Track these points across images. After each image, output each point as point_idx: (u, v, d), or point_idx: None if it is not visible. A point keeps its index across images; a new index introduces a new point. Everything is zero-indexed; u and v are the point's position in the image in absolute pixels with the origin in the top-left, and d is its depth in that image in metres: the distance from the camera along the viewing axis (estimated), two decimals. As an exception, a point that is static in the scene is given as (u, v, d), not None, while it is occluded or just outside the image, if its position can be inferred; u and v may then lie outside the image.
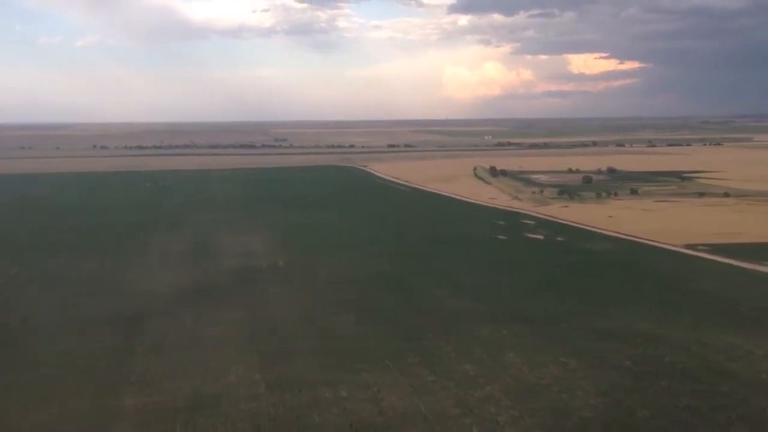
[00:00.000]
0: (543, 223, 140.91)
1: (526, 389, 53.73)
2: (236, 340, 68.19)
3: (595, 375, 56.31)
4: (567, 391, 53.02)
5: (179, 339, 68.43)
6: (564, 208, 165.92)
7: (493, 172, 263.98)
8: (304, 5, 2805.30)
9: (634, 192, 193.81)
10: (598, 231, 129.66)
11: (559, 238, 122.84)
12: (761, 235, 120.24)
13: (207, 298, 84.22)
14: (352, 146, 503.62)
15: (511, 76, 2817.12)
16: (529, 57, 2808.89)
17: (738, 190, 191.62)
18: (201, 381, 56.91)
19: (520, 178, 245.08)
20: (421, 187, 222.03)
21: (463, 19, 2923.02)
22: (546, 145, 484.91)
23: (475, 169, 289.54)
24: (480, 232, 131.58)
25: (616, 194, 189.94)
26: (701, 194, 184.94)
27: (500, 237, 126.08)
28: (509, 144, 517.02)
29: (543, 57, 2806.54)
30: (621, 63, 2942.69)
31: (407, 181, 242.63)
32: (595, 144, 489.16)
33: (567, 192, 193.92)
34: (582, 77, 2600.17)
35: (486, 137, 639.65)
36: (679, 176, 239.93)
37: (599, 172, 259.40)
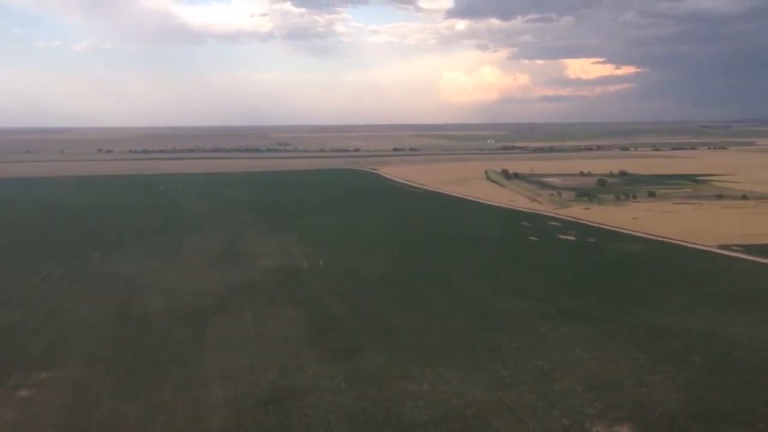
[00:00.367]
0: (569, 225, 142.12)
1: (604, 383, 54.76)
2: (300, 336, 69.02)
3: (668, 370, 57.38)
4: (646, 385, 54.09)
5: (245, 334, 69.25)
6: (585, 210, 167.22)
7: (507, 175, 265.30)
8: (303, 10, 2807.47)
9: (651, 194, 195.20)
10: (627, 232, 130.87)
11: (590, 239, 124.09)
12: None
13: (261, 295, 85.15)
14: (357, 150, 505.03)
15: (508, 80, 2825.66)
16: (526, 62, 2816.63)
17: (754, 192, 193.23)
18: (281, 376, 57.79)
19: (534, 181, 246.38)
20: (436, 190, 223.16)
21: (461, 24, 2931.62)
22: (551, 149, 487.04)
23: (486, 172, 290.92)
24: (510, 234, 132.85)
25: (634, 197, 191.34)
26: (720, 197, 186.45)
27: (531, 238, 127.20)
28: (514, 148, 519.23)
29: (540, 62, 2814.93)
30: (617, 68, 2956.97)
31: (422, 184, 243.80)
32: (599, 148, 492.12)
33: (585, 194, 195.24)
34: (579, 82, 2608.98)
35: (489, 141, 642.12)
36: (692, 179, 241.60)
37: (611, 175, 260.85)
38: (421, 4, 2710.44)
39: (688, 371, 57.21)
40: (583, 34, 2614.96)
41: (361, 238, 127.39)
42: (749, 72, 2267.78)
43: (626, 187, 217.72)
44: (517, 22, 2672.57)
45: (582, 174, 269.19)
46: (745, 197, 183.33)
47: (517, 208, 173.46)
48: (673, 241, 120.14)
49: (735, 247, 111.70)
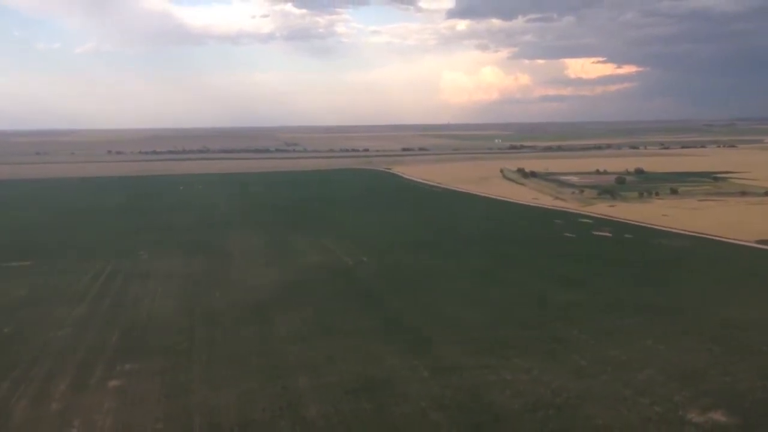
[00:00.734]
0: (601, 222, 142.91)
1: (686, 373, 55.54)
2: (366, 328, 69.86)
3: (746, 360, 58.22)
4: (728, 374, 54.95)
5: (312, 327, 70.10)
6: (611, 207, 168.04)
7: (524, 173, 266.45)
8: (303, 11, 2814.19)
9: (674, 192, 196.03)
10: (661, 228, 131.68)
11: (627, 236, 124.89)
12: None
13: (316, 290, 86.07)
14: (366, 150, 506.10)
15: (508, 80, 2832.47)
16: (526, 61, 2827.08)
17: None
18: (362, 366, 58.67)
19: (552, 179, 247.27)
20: (457, 189, 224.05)
21: (462, 24, 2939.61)
22: (560, 148, 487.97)
23: (501, 170, 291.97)
24: (545, 231, 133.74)
25: (657, 194, 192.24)
26: (743, 193, 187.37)
27: (567, 235, 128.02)
28: (522, 147, 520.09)
29: (540, 61, 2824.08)
30: (618, 67, 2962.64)
31: (439, 183, 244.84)
32: (608, 146, 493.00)
33: (607, 192, 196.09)
34: (579, 81, 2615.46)
35: (496, 140, 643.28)
36: (710, 177, 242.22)
37: (628, 173, 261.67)
38: (422, 4, 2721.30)
39: (766, 361, 58.02)
40: (584, 33, 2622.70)
41: (397, 236, 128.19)
42: (749, 71, 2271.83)
43: (645, 184, 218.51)
44: (518, 22, 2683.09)
45: (598, 172, 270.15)
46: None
47: (543, 206, 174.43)
48: (710, 237, 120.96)
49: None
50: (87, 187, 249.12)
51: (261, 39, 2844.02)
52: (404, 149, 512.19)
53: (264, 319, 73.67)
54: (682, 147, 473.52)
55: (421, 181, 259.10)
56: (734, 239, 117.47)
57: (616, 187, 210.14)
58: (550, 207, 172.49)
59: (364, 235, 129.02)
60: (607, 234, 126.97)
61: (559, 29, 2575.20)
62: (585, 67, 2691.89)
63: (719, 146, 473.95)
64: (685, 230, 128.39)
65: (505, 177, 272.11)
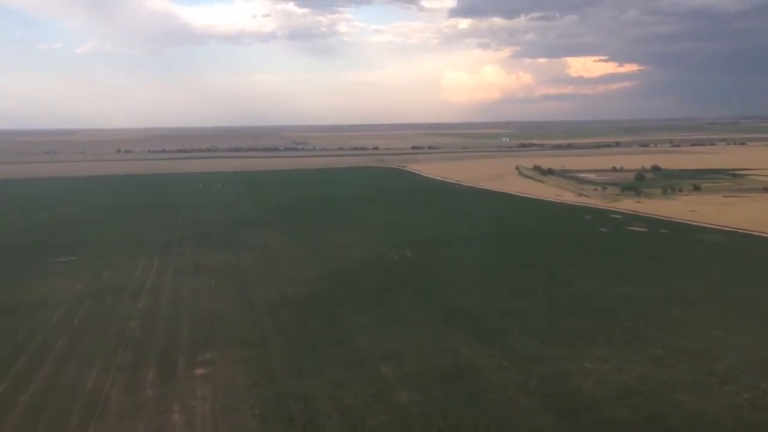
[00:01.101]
0: (631, 217, 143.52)
1: (765, 362, 56.24)
2: (433, 320, 70.61)
3: (825, 348, 59.06)
4: (813, 362, 55.74)
5: (378, 319, 70.83)
6: (637, 203, 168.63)
7: (541, 171, 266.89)
8: (305, 10, 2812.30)
9: (697, 188, 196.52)
10: (694, 224, 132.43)
11: (662, 231, 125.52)
12: None
13: (369, 283, 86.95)
14: (376, 148, 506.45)
15: (510, 79, 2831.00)
16: (528, 60, 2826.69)
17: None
18: (439, 356, 59.47)
19: (569, 176, 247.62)
20: (478, 186, 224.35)
21: (464, 23, 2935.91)
22: (570, 146, 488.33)
23: (517, 168, 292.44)
24: (578, 226, 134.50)
25: (680, 190, 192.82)
26: (767, 189, 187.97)
27: (601, 230, 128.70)
28: (532, 145, 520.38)
29: (542, 60, 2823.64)
30: (620, 66, 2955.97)
31: (459, 181, 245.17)
32: (618, 144, 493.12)
33: (630, 189, 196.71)
34: (581, 80, 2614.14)
35: (504, 139, 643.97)
36: (728, 174, 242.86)
37: (644, 170, 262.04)
38: (424, 3, 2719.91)
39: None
40: (586, 32, 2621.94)
41: (433, 232, 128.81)
42: (751, 69, 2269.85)
43: (665, 181, 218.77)
44: (520, 20, 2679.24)
45: (614, 169, 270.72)
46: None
47: (568, 202, 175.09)
48: (744, 232, 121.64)
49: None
50: (108, 185, 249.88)
51: (263, 38, 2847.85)
52: (414, 147, 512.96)
53: (326, 311, 74.43)
54: (692, 145, 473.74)
55: (440, 178, 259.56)
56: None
57: (638, 184, 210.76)
58: (575, 203, 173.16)
59: (400, 231, 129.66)
60: (642, 229, 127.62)
61: (561, 28, 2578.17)
62: (587, 66, 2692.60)
63: (728, 144, 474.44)
64: (717, 225, 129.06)
65: (521, 174, 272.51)
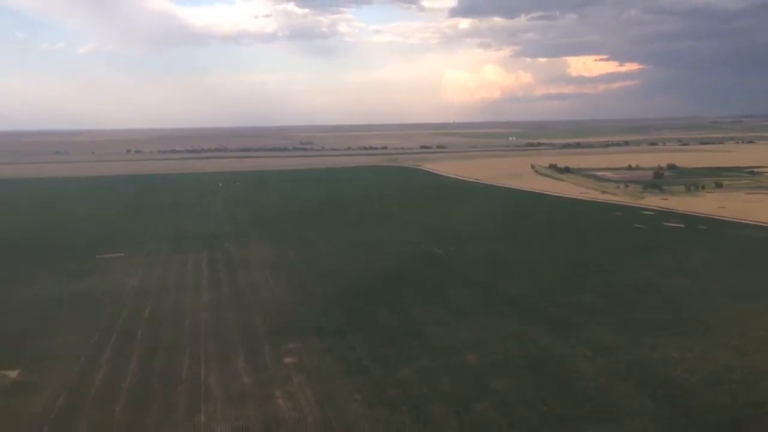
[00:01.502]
0: (663, 214, 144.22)
1: None
2: (498, 311, 71.21)
3: None
4: None
5: (437, 311, 71.51)
6: (664, 200, 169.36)
7: (558, 169, 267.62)
8: (306, 10, 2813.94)
9: (719, 185, 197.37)
10: (730, 220, 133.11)
11: (701, 227, 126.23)
12: None
13: (421, 276, 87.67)
14: (384, 148, 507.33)
15: (510, 79, 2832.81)
16: (528, 60, 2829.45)
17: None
18: (520, 345, 60.19)
19: (587, 174, 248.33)
20: (499, 185, 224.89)
21: (464, 23, 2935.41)
22: (579, 145, 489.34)
23: (533, 166, 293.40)
24: (612, 222, 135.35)
25: (703, 187, 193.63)
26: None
27: (638, 226, 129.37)
28: (540, 144, 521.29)
29: (542, 60, 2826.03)
30: (621, 65, 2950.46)
31: (477, 179, 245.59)
32: (626, 143, 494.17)
33: (653, 186, 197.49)
34: (581, 79, 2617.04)
35: (510, 138, 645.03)
36: (744, 171, 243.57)
37: (661, 168, 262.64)
38: (425, 3, 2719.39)
39: None
40: (586, 31, 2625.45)
41: (471, 229, 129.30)
42: (752, 68, 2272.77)
43: (685, 178, 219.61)
44: (520, 20, 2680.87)
45: (630, 167, 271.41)
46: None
47: (595, 200, 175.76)
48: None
49: None
50: (129, 185, 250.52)
51: (263, 39, 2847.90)
52: (422, 147, 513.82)
53: (391, 303, 75.13)
54: (701, 143, 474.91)
55: (458, 177, 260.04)
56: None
57: (659, 182, 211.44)
58: (602, 201, 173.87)
59: (437, 228, 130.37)
60: (680, 225, 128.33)
61: (562, 27, 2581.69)
62: (587, 65, 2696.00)
63: (737, 142, 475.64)
64: (751, 221, 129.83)
65: (538, 173, 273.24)
